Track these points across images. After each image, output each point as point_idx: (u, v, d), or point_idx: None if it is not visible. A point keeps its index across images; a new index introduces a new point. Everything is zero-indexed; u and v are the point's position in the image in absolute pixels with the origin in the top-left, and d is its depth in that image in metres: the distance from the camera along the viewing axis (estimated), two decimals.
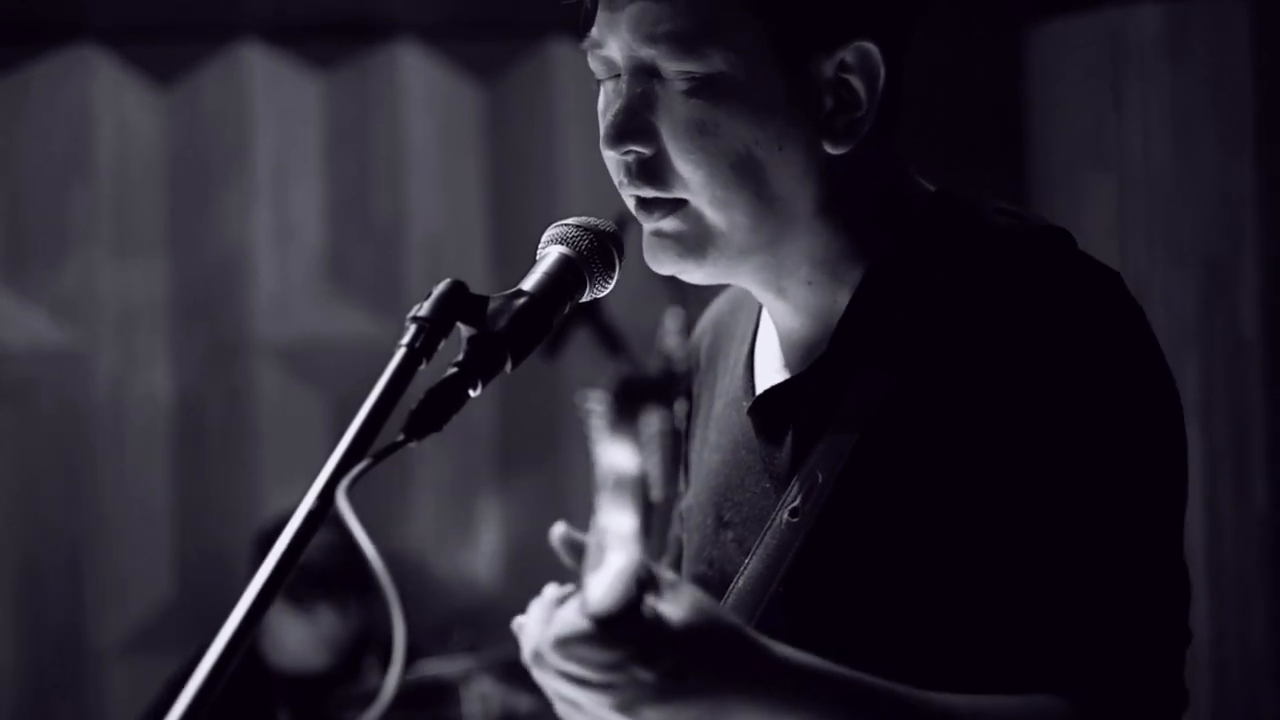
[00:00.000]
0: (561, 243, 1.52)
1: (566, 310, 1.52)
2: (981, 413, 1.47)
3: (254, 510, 4.45)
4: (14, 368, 4.56)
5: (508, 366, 1.44)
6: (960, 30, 4.06)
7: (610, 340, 3.75)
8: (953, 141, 3.86)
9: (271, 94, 4.63)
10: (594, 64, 1.59)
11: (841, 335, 1.57)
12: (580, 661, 1.28)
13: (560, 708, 1.34)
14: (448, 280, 1.44)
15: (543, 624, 1.31)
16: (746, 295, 1.72)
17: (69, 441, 4.56)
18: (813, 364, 1.59)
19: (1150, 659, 1.44)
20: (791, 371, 1.62)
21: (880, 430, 1.51)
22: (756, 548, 1.57)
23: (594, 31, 1.56)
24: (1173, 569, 1.48)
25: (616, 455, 1.19)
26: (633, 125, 1.53)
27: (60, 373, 4.57)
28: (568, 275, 1.50)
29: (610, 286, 1.55)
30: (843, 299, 1.58)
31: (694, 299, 1.84)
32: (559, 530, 1.33)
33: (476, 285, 1.46)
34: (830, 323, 1.59)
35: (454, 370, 1.41)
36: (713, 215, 1.54)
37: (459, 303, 1.43)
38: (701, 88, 1.51)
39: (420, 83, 4.65)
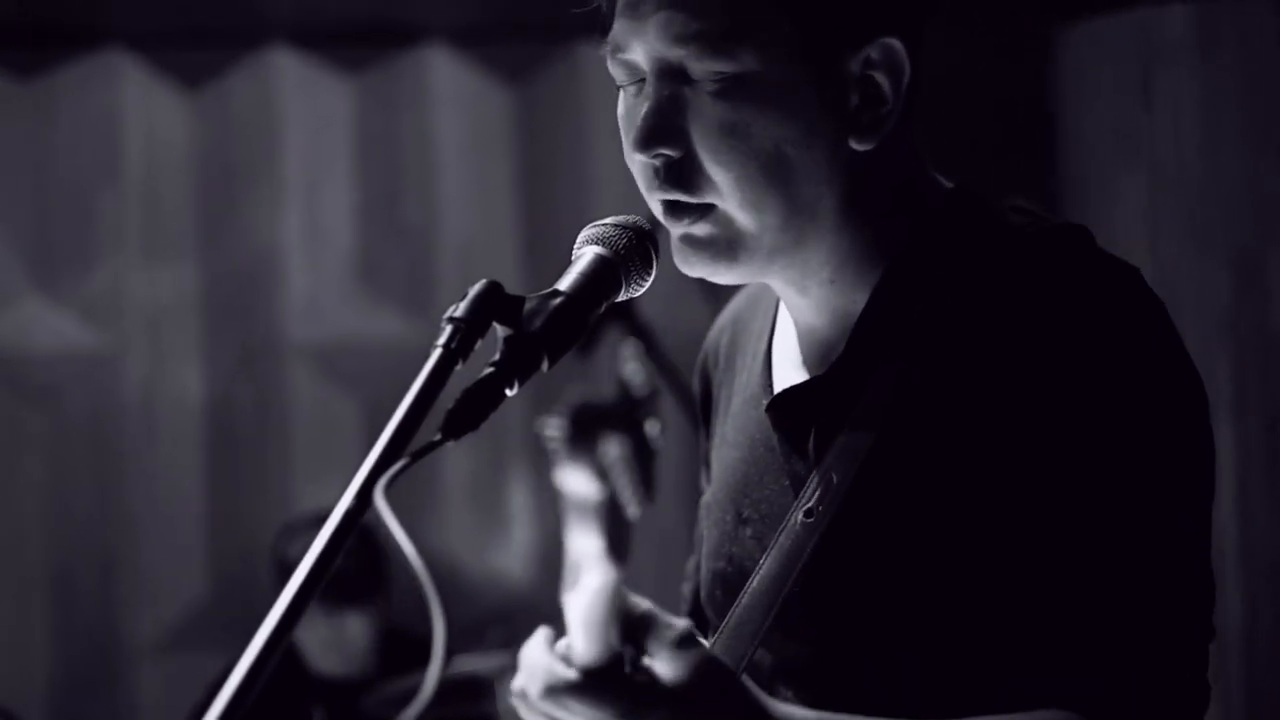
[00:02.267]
0: (598, 243, 1.51)
1: (602, 309, 1.51)
2: (996, 412, 1.47)
3: (285, 512, 4.46)
4: (44, 371, 4.58)
5: (544, 366, 1.44)
6: (991, 31, 4.06)
7: (643, 337, 3.75)
8: (984, 141, 3.85)
9: (301, 98, 4.65)
10: (615, 69, 1.58)
11: (859, 335, 1.57)
12: (568, 711, 1.30)
13: None
14: (483, 281, 1.45)
15: (531, 668, 1.33)
16: (764, 292, 1.72)
17: (100, 444, 4.59)
18: (831, 364, 1.59)
19: (1165, 660, 1.43)
20: (809, 369, 1.62)
21: (896, 430, 1.51)
22: (772, 547, 1.57)
23: (615, 36, 1.56)
24: (1193, 566, 1.47)
25: (575, 480, 1.19)
26: (662, 128, 1.53)
27: (90, 376, 4.59)
28: (604, 275, 1.50)
29: (647, 285, 1.55)
30: (861, 298, 1.58)
31: (726, 295, 1.84)
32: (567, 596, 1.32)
33: (507, 287, 1.46)
34: (848, 322, 1.59)
35: (490, 370, 1.41)
36: (742, 218, 1.53)
37: (495, 303, 1.43)
38: (731, 88, 1.50)
39: (450, 86, 4.66)
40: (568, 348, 1.46)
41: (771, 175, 1.52)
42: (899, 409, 1.51)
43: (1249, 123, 3.57)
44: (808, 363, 1.63)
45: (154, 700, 4.54)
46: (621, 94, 1.59)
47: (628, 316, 3.72)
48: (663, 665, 1.30)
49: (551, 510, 4.63)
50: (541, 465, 4.56)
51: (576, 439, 1.18)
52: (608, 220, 1.54)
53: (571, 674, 1.29)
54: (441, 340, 1.41)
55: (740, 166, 1.51)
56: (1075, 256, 1.51)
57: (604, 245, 1.52)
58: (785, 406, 1.62)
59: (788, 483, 1.60)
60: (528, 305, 1.45)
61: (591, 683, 1.28)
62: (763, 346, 1.70)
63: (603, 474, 1.18)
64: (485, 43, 4.66)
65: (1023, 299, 1.48)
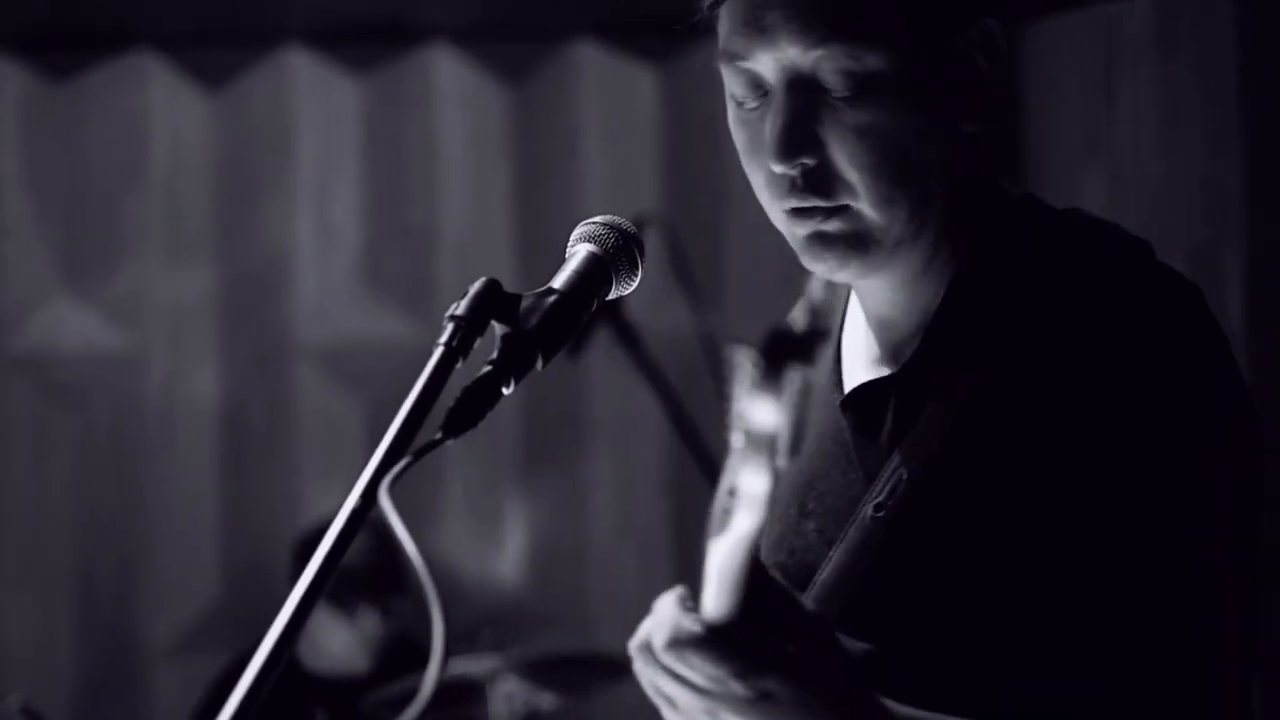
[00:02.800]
0: (590, 241, 1.52)
1: (594, 308, 1.52)
2: (1067, 416, 1.48)
3: (295, 512, 4.49)
4: (69, 371, 4.60)
5: (539, 364, 1.44)
6: None
7: (629, 338, 3.76)
8: None
9: (313, 98, 4.67)
10: (733, 78, 1.57)
11: (935, 330, 1.58)
12: (686, 664, 1.30)
13: (654, 699, 1.36)
14: (483, 279, 1.45)
15: (660, 620, 1.33)
16: (832, 290, 1.73)
17: (121, 444, 4.61)
18: (906, 361, 1.59)
19: (1217, 684, 1.45)
20: (880, 366, 1.63)
21: (966, 431, 1.52)
22: (841, 540, 1.57)
23: (734, 45, 1.55)
24: (1244, 591, 1.48)
25: (759, 412, 1.16)
26: (801, 138, 1.52)
27: (114, 376, 4.62)
28: (596, 273, 1.50)
29: (634, 285, 1.55)
30: (939, 291, 1.59)
31: (709, 299, 1.85)
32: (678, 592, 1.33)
33: (504, 285, 1.47)
34: (924, 316, 1.59)
35: (488, 368, 1.41)
36: (874, 214, 1.54)
37: (494, 301, 1.44)
38: (864, 91, 1.51)
39: (452, 85, 4.67)
40: (561, 345, 1.46)
41: (905, 170, 1.53)
42: (970, 407, 1.52)
43: (1207, 118, 3.60)
44: (881, 358, 1.63)
45: (170, 698, 4.54)
46: (734, 105, 1.58)
47: (614, 316, 3.73)
48: (789, 629, 1.33)
49: (541, 515, 4.67)
50: (534, 474, 4.64)
51: (770, 367, 1.15)
52: (598, 219, 1.54)
53: (697, 628, 1.29)
54: (443, 338, 1.42)
55: (877, 166, 1.52)
56: (1145, 269, 1.54)
57: (595, 243, 1.51)
58: (858, 402, 1.62)
59: (855, 476, 1.60)
60: (524, 303, 1.45)
61: (714, 638, 1.29)
62: (832, 342, 1.70)
63: (783, 408, 1.15)
64: (486, 42, 4.67)
65: (1099, 307, 1.50)
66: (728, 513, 1.21)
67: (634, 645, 1.35)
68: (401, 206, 4.69)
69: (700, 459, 3.80)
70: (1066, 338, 1.50)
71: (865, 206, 1.54)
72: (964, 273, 1.58)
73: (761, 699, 1.31)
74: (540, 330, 1.44)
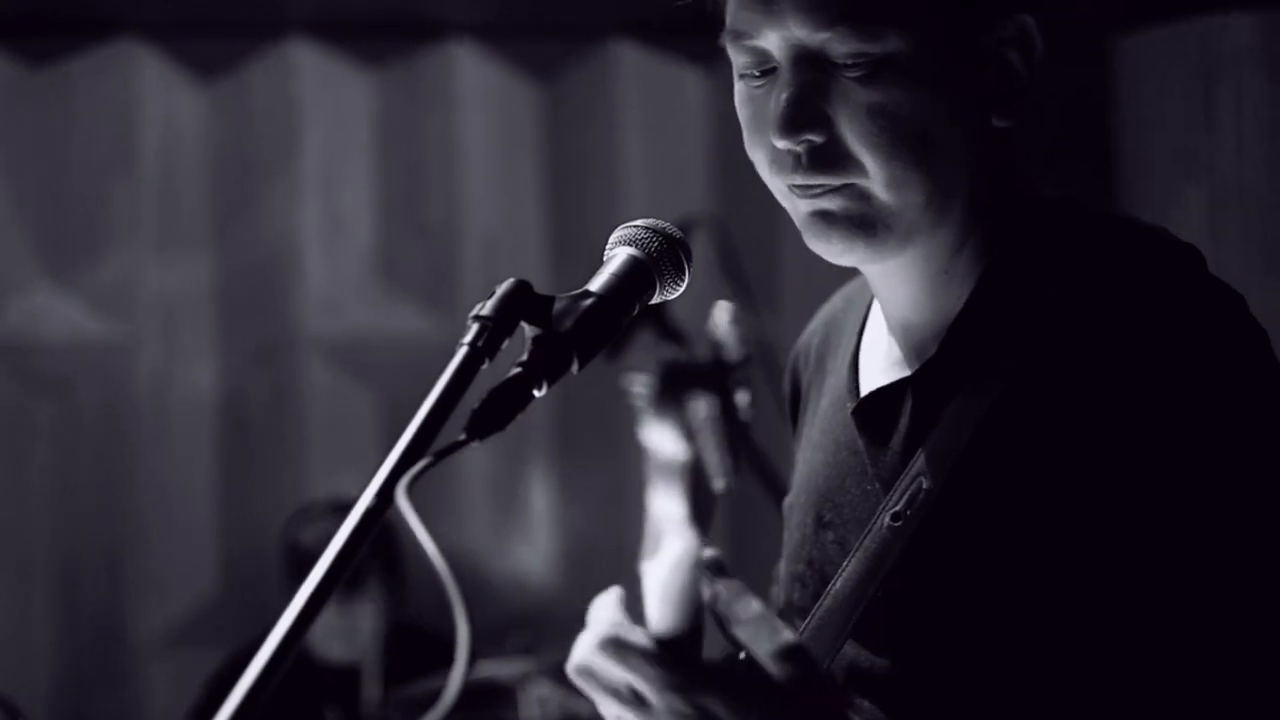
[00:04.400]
0: (630, 244, 1.49)
1: (634, 312, 1.49)
2: (1094, 433, 1.44)
3: (296, 506, 4.47)
4: (54, 360, 4.60)
5: (574, 367, 1.42)
6: (1047, 39, 4.01)
7: (674, 340, 3.73)
8: (1040, 153, 3.81)
9: (321, 91, 4.66)
10: (739, 55, 1.55)
11: (954, 337, 1.55)
12: (632, 670, 1.29)
13: (599, 701, 1.35)
14: (512, 279, 1.42)
15: (601, 624, 1.32)
16: (859, 293, 1.70)
17: (109, 436, 4.60)
18: (922, 366, 1.56)
19: (1258, 703, 1.40)
20: (899, 371, 1.60)
21: (988, 439, 1.49)
22: (856, 550, 1.55)
23: (738, 22, 1.53)
24: None
25: (660, 439, 1.17)
26: (807, 114, 1.50)
27: (100, 366, 4.61)
28: (637, 277, 1.48)
29: (680, 290, 1.52)
30: (963, 294, 1.56)
31: (761, 301, 1.82)
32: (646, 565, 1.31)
33: (533, 286, 1.45)
34: (945, 320, 1.56)
35: (519, 370, 1.39)
36: (886, 196, 1.51)
37: (523, 302, 1.41)
38: (878, 70, 1.49)
39: (476, 83, 4.66)
40: (599, 349, 1.44)
41: (919, 154, 1.50)
42: (994, 414, 1.49)
43: None
44: (899, 364, 1.61)
45: (161, 695, 4.55)
46: (740, 82, 1.56)
47: (659, 320, 3.70)
48: (762, 659, 1.30)
49: (575, 512, 4.63)
50: (566, 467, 4.60)
51: (665, 395, 1.16)
52: (639, 222, 1.52)
53: (643, 639, 1.28)
54: (467, 338, 1.39)
55: (890, 147, 1.49)
56: (1186, 277, 1.49)
57: (637, 247, 1.49)
58: (873, 409, 1.60)
59: (870, 487, 1.58)
60: (557, 305, 1.42)
61: (658, 651, 1.27)
62: (851, 347, 1.68)
63: (690, 435, 1.16)
64: (513, 40, 4.66)
65: (1127, 320, 1.46)
66: (658, 534, 1.21)
67: (572, 664, 1.34)
68: (418, 203, 4.67)
69: (753, 463, 3.76)
70: (1103, 345, 1.45)
71: (876, 186, 1.51)
72: (992, 273, 1.55)
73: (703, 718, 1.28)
74: (576, 332, 1.42)
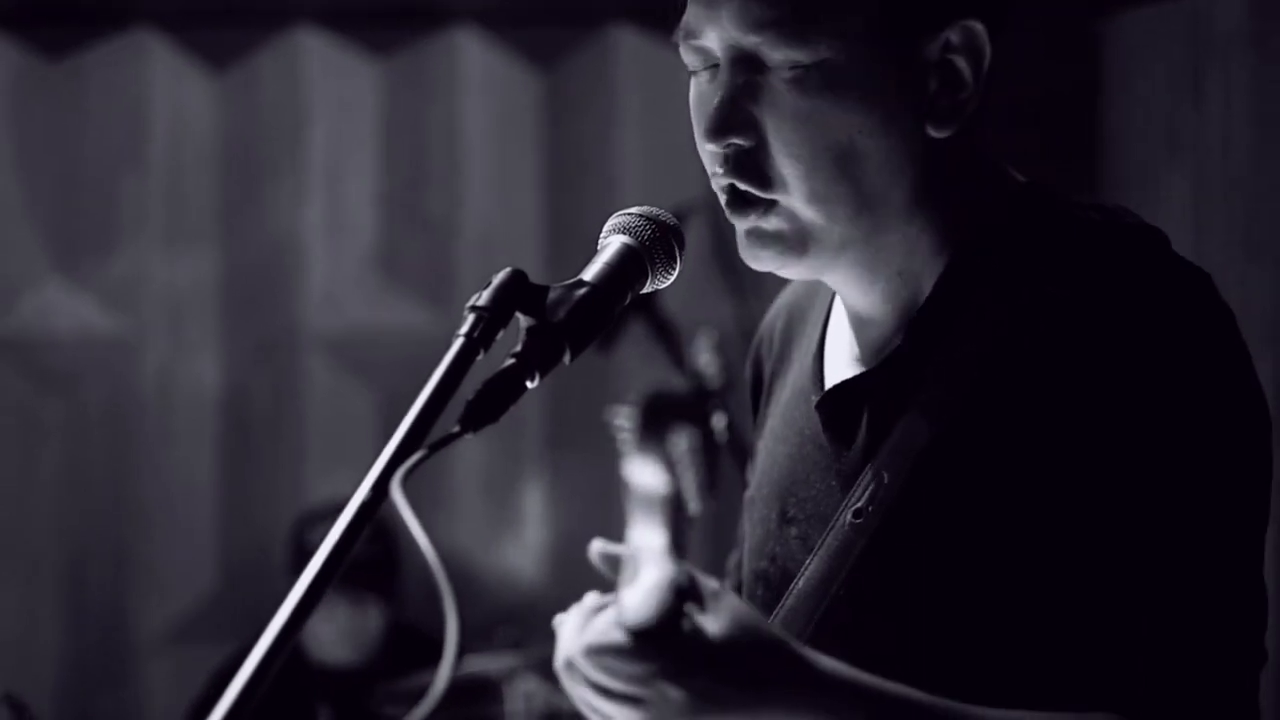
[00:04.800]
0: (624, 232, 1.49)
1: (627, 301, 1.49)
2: (1057, 419, 1.43)
3: (300, 502, 4.47)
4: (63, 356, 4.58)
5: (566, 358, 1.42)
6: (1034, 21, 4.02)
7: (664, 333, 3.72)
8: (1026, 136, 3.81)
9: (327, 81, 4.64)
10: (687, 55, 1.55)
11: (918, 329, 1.54)
12: (610, 673, 1.27)
13: (585, 712, 1.33)
14: (507, 269, 1.42)
15: (578, 631, 1.31)
16: (820, 281, 1.70)
17: (116, 430, 4.59)
18: (885, 359, 1.56)
19: (1216, 679, 1.41)
20: (863, 365, 1.59)
21: (952, 432, 1.48)
22: (819, 547, 1.54)
23: (688, 21, 1.53)
24: (1250, 587, 1.44)
25: (643, 472, 1.18)
26: (735, 118, 1.50)
27: (109, 361, 4.59)
28: (629, 266, 1.47)
29: (671, 279, 1.52)
30: (924, 290, 1.55)
31: (752, 292, 1.81)
32: (597, 546, 1.32)
33: (531, 277, 1.44)
34: (907, 315, 1.56)
35: (512, 361, 1.39)
36: (809, 212, 1.51)
37: (518, 292, 1.41)
38: (807, 76, 1.48)
39: (478, 69, 4.64)
40: (591, 339, 1.44)
41: (843, 167, 1.49)
42: (956, 407, 1.48)
43: None
44: (862, 358, 1.60)
45: (164, 691, 4.54)
46: (693, 80, 1.56)
47: (650, 311, 3.70)
48: (710, 621, 1.29)
49: (563, 510, 4.62)
50: (557, 463, 4.59)
51: (648, 430, 1.17)
52: (633, 210, 1.52)
53: (618, 634, 1.27)
54: (463, 329, 1.39)
55: (811, 158, 1.49)
56: (1148, 259, 1.48)
57: (630, 235, 1.49)
58: (836, 402, 1.59)
59: (835, 483, 1.57)
60: (552, 295, 1.42)
61: (638, 642, 1.26)
62: (815, 339, 1.67)
63: (671, 467, 1.17)
64: (514, 26, 4.64)
65: (1092, 300, 1.45)
66: (636, 565, 1.22)
67: (558, 664, 1.33)
68: (420, 194, 4.66)
69: (739, 458, 3.75)
70: (1066, 333, 1.45)
71: (797, 203, 1.50)
72: (953, 269, 1.54)
73: (700, 698, 1.27)
74: (569, 323, 1.42)
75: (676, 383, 1.24)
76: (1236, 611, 1.43)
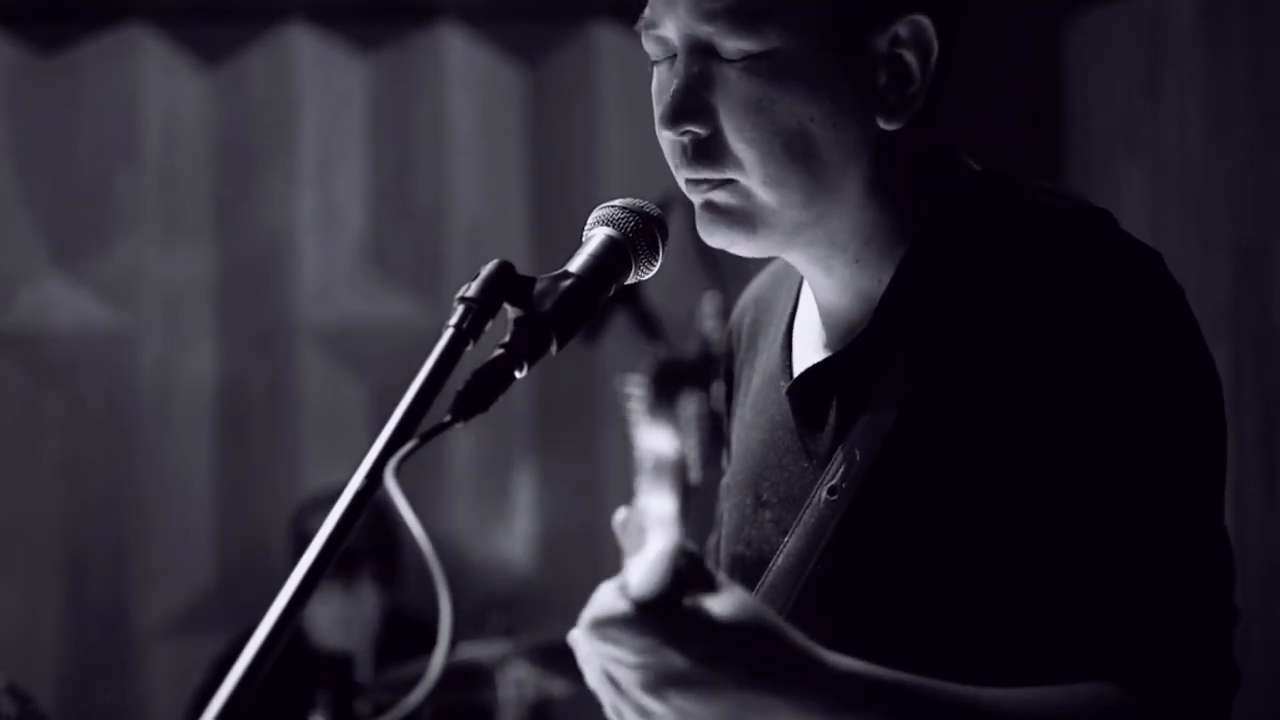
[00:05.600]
0: (608, 224, 1.51)
1: (611, 292, 1.51)
2: (1021, 393, 1.47)
3: (295, 494, 4.47)
4: (60, 349, 4.58)
5: (553, 348, 1.44)
6: (996, 19, 4.06)
7: (648, 324, 3.75)
8: (988, 131, 3.85)
9: (317, 76, 4.65)
10: (649, 45, 1.59)
11: (882, 313, 1.58)
12: (614, 642, 1.29)
13: (595, 686, 1.35)
14: (496, 261, 1.44)
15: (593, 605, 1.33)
16: (788, 271, 1.72)
17: (114, 424, 4.59)
18: (852, 341, 1.59)
19: (1198, 639, 1.44)
20: (831, 350, 1.62)
21: (920, 408, 1.51)
22: (795, 527, 1.57)
23: (649, 12, 1.57)
24: (1217, 548, 1.48)
25: (655, 438, 1.19)
26: (690, 105, 1.53)
27: (106, 355, 4.60)
28: (613, 257, 1.50)
29: (654, 270, 1.55)
30: (886, 277, 1.58)
31: (732, 283, 1.84)
32: (621, 515, 1.34)
33: (518, 268, 1.46)
34: (872, 301, 1.59)
35: (500, 351, 1.41)
36: (764, 194, 1.54)
37: (506, 283, 1.43)
38: (758, 65, 1.51)
39: (463, 65, 4.65)
40: (577, 330, 1.46)
41: (795, 153, 1.52)
42: (923, 385, 1.52)
43: (1256, 113, 3.56)
44: (830, 343, 1.63)
45: (163, 681, 4.54)
46: (655, 70, 1.59)
47: (633, 301, 3.72)
48: (713, 600, 1.31)
49: (554, 498, 4.63)
50: (547, 452, 4.61)
51: (660, 396, 1.18)
52: (617, 202, 1.54)
53: (624, 605, 1.29)
54: (453, 320, 1.41)
55: (764, 144, 1.52)
56: (1099, 242, 1.51)
57: (614, 227, 1.51)
58: (806, 386, 1.62)
59: (808, 465, 1.60)
60: (538, 286, 1.45)
61: (641, 612, 1.28)
62: (784, 327, 1.70)
63: (680, 432, 1.19)
64: (499, 21, 4.65)
65: (1047, 280, 1.48)
66: (642, 532, 1.24)
67: (571, 637, 1.35)
68: (409, 188, 4.67)
69: (720, 443, 3.78)
70: (1022, 310, 1.48)
71: (755, 184, 1.54)
72: (912, 256, 1.58)
73: (700, 665, 1.29)
74: (555, 314, 1.45)
75: (685, 348, 1.27)
76: (1210, 571, 1.46)
